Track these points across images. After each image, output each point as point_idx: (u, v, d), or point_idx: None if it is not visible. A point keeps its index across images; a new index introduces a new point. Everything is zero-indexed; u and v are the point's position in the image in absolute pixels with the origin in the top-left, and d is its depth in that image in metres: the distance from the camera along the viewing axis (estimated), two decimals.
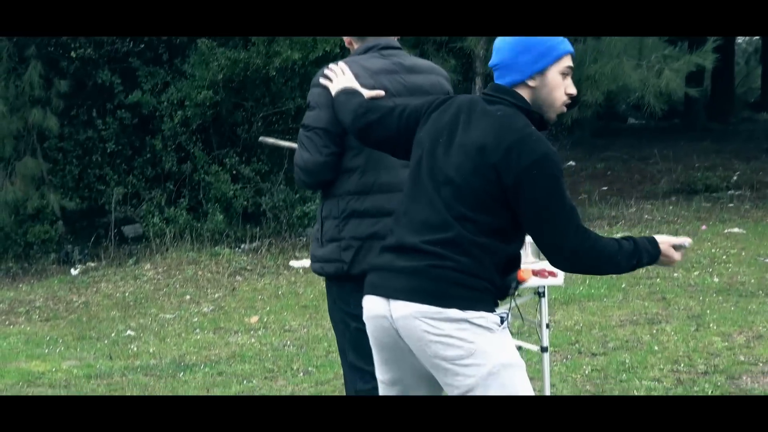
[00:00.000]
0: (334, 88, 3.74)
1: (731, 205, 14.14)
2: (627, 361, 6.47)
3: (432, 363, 3.10)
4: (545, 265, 4.88)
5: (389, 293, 3.19)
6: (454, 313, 3.06)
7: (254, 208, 12.80)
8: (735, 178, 16.28)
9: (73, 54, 12.79)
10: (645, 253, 3.32)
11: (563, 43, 3.34)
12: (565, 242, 3.18)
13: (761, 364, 6.24)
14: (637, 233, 11.57)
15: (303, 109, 12.62)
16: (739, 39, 31.81)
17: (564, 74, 3.33)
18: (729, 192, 15.32)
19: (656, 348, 6.79)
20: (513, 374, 3.12)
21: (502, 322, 3.15)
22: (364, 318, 3.28)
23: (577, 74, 13.78)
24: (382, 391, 3.40)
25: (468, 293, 3.12)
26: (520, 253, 3.38)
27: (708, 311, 7.80)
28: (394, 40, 4.08)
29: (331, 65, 3.84)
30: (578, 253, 3.21)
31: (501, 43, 3.35)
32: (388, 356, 3.29)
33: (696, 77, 21.27)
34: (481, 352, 3.05)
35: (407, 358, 3.21)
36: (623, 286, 8.82)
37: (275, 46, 12.08)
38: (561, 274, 4.98)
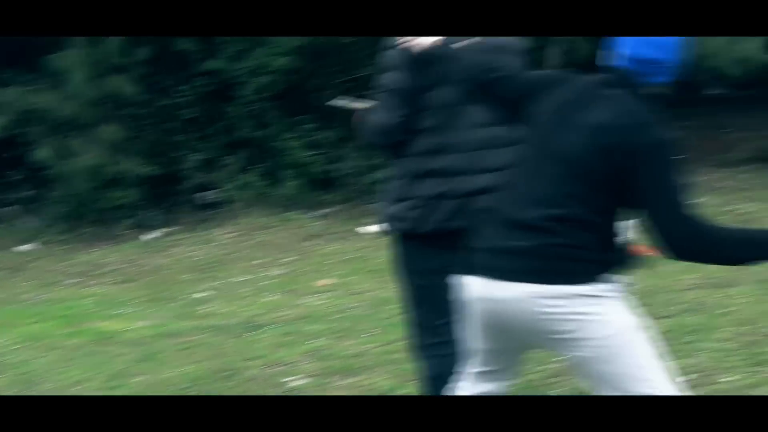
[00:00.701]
0: (417, 45, 3.73)
1: None
2: (693, 323, 6.46)
3: (549, 339, 3.13)
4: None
5: (501, 275, 3.18)
6: (568, 289, 3.08)
7: (327, 174, 12.85)
8: None
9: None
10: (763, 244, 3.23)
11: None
12: (678, 228, 3.16)
13: None
14: (710, 198, 11.57)
15: (378, 76, 12.75)
16: None
17: None
18: None
19: (723, 312, 6.76)
20: (633, 338, 3.13)
21: (615, 290, 3.17)
22: (473, 299, 3.27)
23: None
24: (479, 360, 3.39)
25: (582, 267, 3.13)
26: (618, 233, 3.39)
27: None
28: None
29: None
30: (690, 240, 3.17)
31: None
32: (495, 334, 3.29)
33: None
34: (598, 322, 3.07)
35: (517, 337, 3.23)
36: None
37: None
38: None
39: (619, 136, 3.17)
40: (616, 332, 3.09)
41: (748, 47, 13.99)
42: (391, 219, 3.95)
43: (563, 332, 3.08)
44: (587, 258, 3.14)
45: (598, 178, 3.19)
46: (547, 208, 3.21)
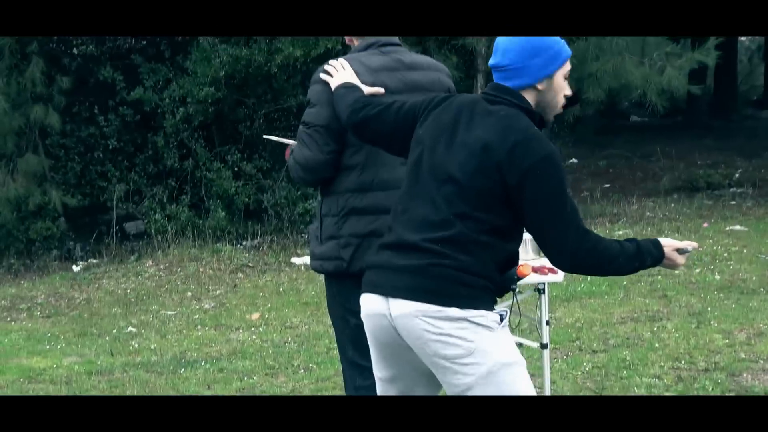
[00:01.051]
0: (334, 83, 3.73)
1: (733, 202, 14.17)
2: (628, 358, 6.48)
3: (431, 361, 3.09)
4: (545, 262, 4.87)
5: (388, 291, 3.17)
6: (453, 311, 3.05)
7: (256, 205, 12.81)
8: (737, 175, 16.30)
9: (75, 51, 12.82)
10: (648, 256, 3.33)
11: (565, 46, 3.37)
12: (567, 242, 3.18)
13: (762, 362, 6.27)
14: (639, 231, 11.73)
15: (304, 106, 12.78)
16: (742, 37, 31.76)
17: (566, 77, 3.36)
18: (731, 189, 15.34)
19: (657, 345, 6.81)
20: (513, 372, 3.12)
21: (501, 320, 3.14)
22: (362, 316, 3.27)
23: (579, 72, 13.69)
24: (381, 388, 3.39)
25: (467, 291, 3.11)
26: (518, 250, 3.38)
27: (709, 308, 7.85)
28: (394, 38, 4.08)
29: (331, 61, 3.84)
30: (579, 254, 3.21)
31: (508, 44, 3.34)
32: (387, 354, 3.27)
33: (699, 75, 21.19)
34: (480, 351, 3.04)
35: (406, 356, 3.20)
36: (624, 283, 8.85)
37: (277, 43, 12.09)
38: (561, 271, 4.96)
39: (503, 153, 3.14)
40: (495, 364, 3.07)
41: (673, 75, 14.20)
42: (322, 258, 3.93)
43: (444, 356, 3.05)
44: (475, 283, 3.13)
45: (486, 197, 3.17)
46: (436, 229, 3.19)
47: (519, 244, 3.37)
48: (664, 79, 14.01)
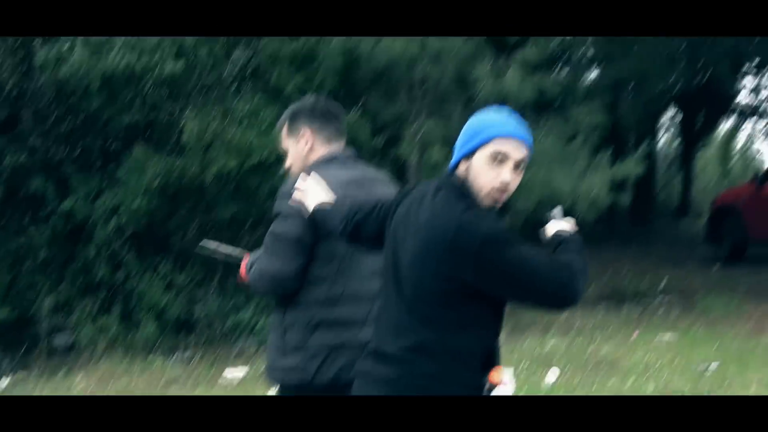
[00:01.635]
0: (311, 198, 3.75)
1: (660, 311, 14.36)
2: None
3: None
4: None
5: None
6: None
7: (188, 316, 12.68)
8: (663, 284, 16.62)
9: (6, 161, 12.72)
10: (569, 243, 3.30)
11: (495, 126, 3.21)
12: (553, 295, 3.08)
13: None
14: (571, 340, 11.83)
15: (237, 218, 12.76)
16: (660, 143, 32.44)
17: (494, 159, 3.18)
18: (658, 298, 15.57)
19: None
20: None
21: None
22: None
23: None
24: None
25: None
26: (496, 347, 3.28)
27: None
28: (353, 151, 4.16)
29: (302, 175, 3.90)
30: (569, 290, 3.08)
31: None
32: None
33: (620, 184, 21.67)
34: None
35: None
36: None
37: (211, 153, 12.13)
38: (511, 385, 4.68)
39: (446, 249, 3.05)
40: None
41: (596, 183, 14.32)
42: (285, 370, 3.92)
43: None
44: (442, 392, 3.08)
45: (444, 294, 3.09)
46: (404, 337, 3.13)
47: (496, 339, 3.28)
48: (590, 189, 14.25)
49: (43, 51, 12.02)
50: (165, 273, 12.85)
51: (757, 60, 22.95)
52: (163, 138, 13.01)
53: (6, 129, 12.84)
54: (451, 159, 3.39)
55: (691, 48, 19.61)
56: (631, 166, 15.01)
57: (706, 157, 36.46)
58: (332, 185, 3.86)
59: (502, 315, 3.27)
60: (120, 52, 11.69)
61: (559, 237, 3.37)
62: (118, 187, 12.60)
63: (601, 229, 24.99)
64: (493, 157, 3.16)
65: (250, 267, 4.06)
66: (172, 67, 12.13)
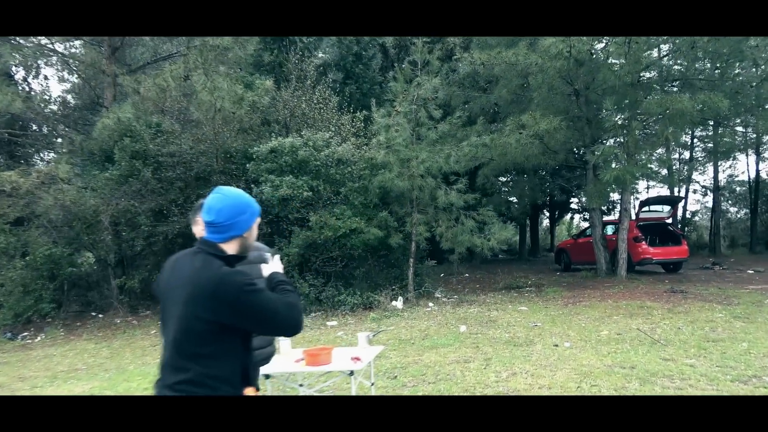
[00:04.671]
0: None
1: (526, 295, 19.19)
2: (442, 388, 8.27)
3: None
4: (354, 351, 5.77)
5: None
6: None
7: None
8: (530, 282, 22.79)
9: None
10: (286, 284, 3.76)
11: (256, 203, 3.71)
12: (287, 324, 3.55)
13: (514, 393, 8.01)
14: (477, 309, 16.01)
15: None
16: (543, 222, 49.20)
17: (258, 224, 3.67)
18: (526, 289, 21.00)
19: (460, 379, 8.71)
20: None
21: None
22: None
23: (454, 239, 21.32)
24: None
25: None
26: (250, 366, 3.70)
27: (494, 356, 10.22)
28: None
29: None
30: (296, 320, 3.60)
31: (221, 205, 3.64)
32: None
33: (522, 230, 34.54)
34: None
35: None
36: (458, 337, 11.52)
37: None
38: (364, 360, 5.63)
39: (207, 298, 3.40)
40: None
41: (506, 235, 19.10)
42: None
43: None
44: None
45: (207, 334, 3.45)
46: (177, 374, 3.46)
47: (248, 359, 3.67)
48: (501, 236, 19.07)
49: None
50: None
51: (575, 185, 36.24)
52: None
53: None
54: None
55: (541, 182, 30.93)
56: (513, 232, 20.27)
57: (560, 228, 56.68)
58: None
59: (250, 342, 3.65)
60: None
61: (275, 278, 3.77)
62: None
63: (507, 257, 35.78)
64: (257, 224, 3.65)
65: None
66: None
